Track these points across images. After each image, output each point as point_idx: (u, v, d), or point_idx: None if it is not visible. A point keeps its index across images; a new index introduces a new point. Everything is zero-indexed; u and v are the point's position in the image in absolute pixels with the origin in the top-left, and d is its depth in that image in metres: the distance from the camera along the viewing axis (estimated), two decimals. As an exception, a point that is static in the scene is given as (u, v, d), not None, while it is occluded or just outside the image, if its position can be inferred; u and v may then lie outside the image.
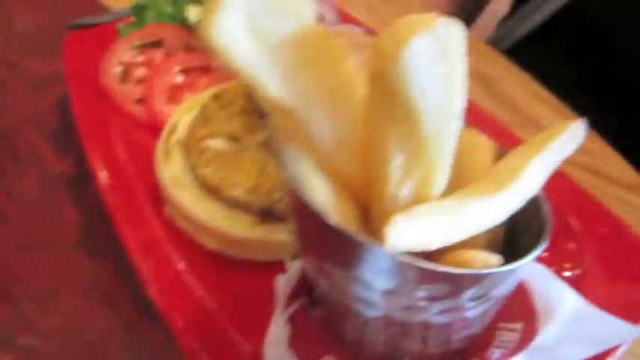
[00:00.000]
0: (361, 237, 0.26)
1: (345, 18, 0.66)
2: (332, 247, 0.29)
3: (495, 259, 0.27)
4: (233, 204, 0.42)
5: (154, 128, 0.52)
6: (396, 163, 0.26)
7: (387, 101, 0.24)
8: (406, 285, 0.29)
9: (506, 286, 0.31)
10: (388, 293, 0.30)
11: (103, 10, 0.75)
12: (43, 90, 0.62)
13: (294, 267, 0.40)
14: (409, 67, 0.22)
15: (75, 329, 0.40)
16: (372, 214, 0.29)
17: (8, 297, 0.42)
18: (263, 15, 0.22)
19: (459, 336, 0.34)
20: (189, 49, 0.59)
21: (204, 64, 0.58)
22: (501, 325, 0.36)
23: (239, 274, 0.41)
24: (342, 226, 0.26)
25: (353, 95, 0.26)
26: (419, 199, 0.28)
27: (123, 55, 0.55)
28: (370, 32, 0.63)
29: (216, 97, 0.49)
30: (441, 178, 0.28)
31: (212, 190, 0.43)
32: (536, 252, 0.28)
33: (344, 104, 0.25)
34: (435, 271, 0.26)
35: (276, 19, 0.23)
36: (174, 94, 0.55)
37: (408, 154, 0.26)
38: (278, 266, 0.41)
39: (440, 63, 0.23)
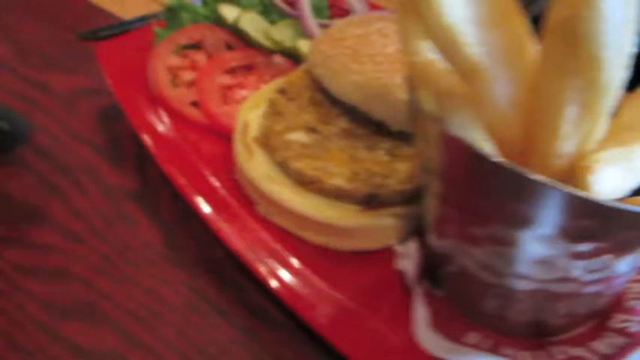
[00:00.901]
0: (548, 180, 0.25)
1: (374, 7, 0.66)
2: (496, 201, 0.28)
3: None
4: (334, 194, 0.41)
5: (214, 130, 0.50)
6: (569, 117, 0.26)
7: (569, 52, 0.24)
8: (564, 248, 0.29)
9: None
10: (542, 263, 0.30)
11: (105, 18, 0.73)
12: (75, 104, 0.59)
13: (412, 249, 0.40)
14: (601, 11, 0.22)
15: (193, 345, 0.37)
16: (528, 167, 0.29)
17: (108, 320, 0.39)
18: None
19: (606, 298, 0.34)
20: (229, 48, 0.57)
21: (247, 62, 0.56)
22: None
23: (352, 265, 0.40)
24: (524, 170, 0.25)
25: (525, 54, 0.25)
26: (580, 150, 0.28)
27: (168, 59, 0.53)
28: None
29: (282, 92, 0.48)
30: (604, 127, 0.28)
31: (309, 183, 0.41)
32: None
33: (519, 63, 0.25)
34: (632, 211, 0.25)
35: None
36: (226, 94, 0.53)
37: (581, 106, 0.26)
38: (385, 252, 0.41)
39: (621, 7, 0.23)
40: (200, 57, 0.55)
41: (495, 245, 0.30)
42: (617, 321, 0.36)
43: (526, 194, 0.27)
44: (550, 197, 0.26)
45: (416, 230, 0.42)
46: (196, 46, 0.56)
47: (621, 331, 0.35)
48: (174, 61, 0.53)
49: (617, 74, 0.26)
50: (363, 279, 0.39)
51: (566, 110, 0.26)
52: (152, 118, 0.50)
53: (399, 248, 0.41)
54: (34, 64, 0.63)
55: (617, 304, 0.36)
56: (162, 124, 0.50)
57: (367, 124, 0.44)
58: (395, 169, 0.42)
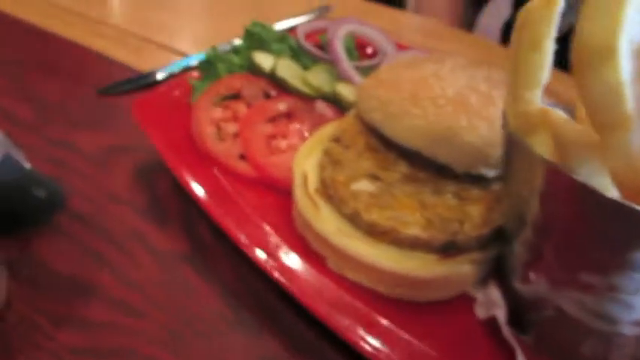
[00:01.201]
0: None
1: (400, 47, 0.67)
2: (622, 247, 0.27)
3: None
4: (410, 244, 0.40)
5: (264, 182, 0.49)
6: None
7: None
8: None
9: None
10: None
11: (122, 70, 0.72)
12: (107, 163, 0.56)
13: (495, 295, 0.38)
14: None
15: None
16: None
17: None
18: (634, 25, 0.21)
19: None
20: (267, 96, 0.56)
21: (288, 109, 0.55)
22: None
23: (433, 316, 0.39)
24: None
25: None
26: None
27: (211, 112, 0.52)
28: (428, 52, 0.64)
29: (336, 140, 0.47)
30: None
31: (383, 234, 0.40)
32: None
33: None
34: None
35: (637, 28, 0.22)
36: (271, 144, 0.52)
37: None
38: (461, 300, 0.40)
39: None
40: (241, 107, 0.54)
41: (612, 292, 0.29)
42: None
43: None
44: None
45: (493, 275, 0.41)
46: (235, 97, 0.55)
47: None
48: (217, 113, 0.52)
49: None
50: (448, 329, 0.37)
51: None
52: (200, 174, 0.48)
53: (480, 295, 0.40)
54: (58, 125, 0.61)
55: None
56: (211, 180, 0.48)
57: (427, 167, 0.44)
58: (467, 213, 0.41)
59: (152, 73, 0.70)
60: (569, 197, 0.27)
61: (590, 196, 0.25)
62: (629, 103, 0.22)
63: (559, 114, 0.26)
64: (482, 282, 0.41)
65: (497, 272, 0.41)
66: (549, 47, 0.25)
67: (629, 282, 0.28)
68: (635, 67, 0.22)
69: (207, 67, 0.56)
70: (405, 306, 0.39)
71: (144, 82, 0.69)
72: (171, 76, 0.69)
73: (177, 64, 0.71)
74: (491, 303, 0.38)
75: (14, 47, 0.78)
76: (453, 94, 0.43)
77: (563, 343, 0.35)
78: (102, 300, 0.42)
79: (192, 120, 0.51)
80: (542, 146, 0.28)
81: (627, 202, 0.25)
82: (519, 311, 0.37)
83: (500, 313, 0.36)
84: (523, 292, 0.36)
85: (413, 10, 0.97)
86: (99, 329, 0.40)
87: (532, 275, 0.34)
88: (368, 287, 0.40)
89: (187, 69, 0.69)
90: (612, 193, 0.26)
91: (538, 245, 0.32)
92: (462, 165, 0.42)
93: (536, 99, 0.27)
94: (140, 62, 0.74)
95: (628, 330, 0.31)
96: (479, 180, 0.43)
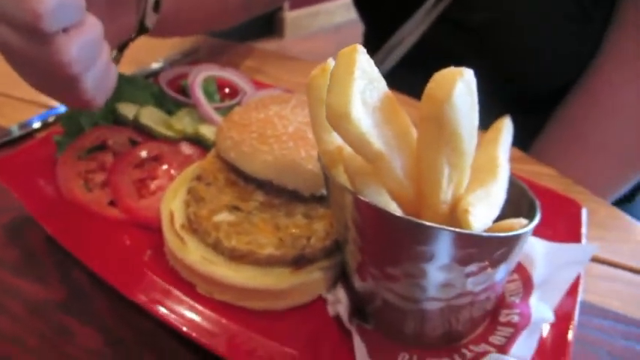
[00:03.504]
0: (439, 225, 0.34)
1: (258, 85, 0.74)
2: (405, 245, 0.36)
3: (525, 222, 0.38)
4: (267, 262, 0.46)
5: (136, 224, 0.53)
6: (445, 174, 0.36)
7: (437, 132, 0.34)
8: (459, 271, 0.38)
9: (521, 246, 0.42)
10: (445, 285, 0.39)
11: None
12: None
13: (341, 294, 0.46)
14: (456, 104, 0.32)
15: None
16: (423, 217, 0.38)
17: None
18: (367, 91, 0.30)
19: (493, 300, 0.44)
20: (133, 143, 0.60)
21: (154, 153, 0.60)
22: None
23: (292, 320, 0.46)
24: (421, 221, 0.34)
25: (410, 138, 0.34)
26: (455, 196, 0.37)
27: (76, 165, 0.55)
28: (287, 90, 0.72)
29: (199, 178, 0.53)
30: (467, 178, 0.38)
31: (242, 257, 0.46)
32: (538, 217, 0.40)
33: (407, 145, 0.34)
34: (502, 237, 0.35)
35: (370, 93, 0.30)
36: (140, 188, 0.56)
37: (451, 166, 0.36)
38: (318, 303, 0.47)
39: (468, 97, 0.33)
40: (107, 157, 0.57)
41: (409, 279, 0.38)
42: (504, 315, 0.46)
43: (425, 237, 0.35)
44: (442, 237, 0.35)
45: (341, 278, 0.49)
46: (101, 147, 0.59)
47: (508, 323, 0.45)
48: (83, 165, 0.55)
49: (471, 141, 0.36)
50: (304, 330, 0.45)
51: (441, 171, 0.35)
52: (71, 224, 0.51)
53: (329, 296, 0.48)
54: None
55: (501, 302, 0.46)
56: (81, 228, 0.51)
57: (281, 194, 0.51)
58: (314, 229, 0.49)
59: (14, 129, 0.70)
60: (364, 213, 0.36)
61: (376, 211, 0.34)
62: (376, 144, 0.31)
63: (348, 150, 0.35)
64: (332, 285, 0.49)
65: (342, 275, 0.49)
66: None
67: (416, 269, 0.37)
68: (377, 118, 0.31)
69: (70, 121, 0.59)
70: (268, 316, 0.46)
71: (7, 139, 0.69)
72: (35, 132, 0.70)
73: (40, 117, 0.72)
74: (338, 301, 0.46)
75: None
76: (293, 131, 0.51)
77: (392, 325, 0.44)
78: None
79: (57, 176, 0.54)
80: (343, 176, 0.36)
81: (399, 214, 0.34)
82: (361, 305, 0.46)
83: (342, 309, 0.44)
84: (360, 289, 0.45)
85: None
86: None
87: (362, 274, 0.43)
88: (235, 305, 0.46)
89: (52, 123, 0.70)
90: (392, 205, 0.35)
91: (357, 250, 0.40)
92: (307, 189, 0.50)
93: (333, 139, 0.35)
94: (3, 119, 0.74)
95: (429, 305, 0.40)
96: (323, 200, 0.51)
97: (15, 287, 0.50)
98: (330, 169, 0.36)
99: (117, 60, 0.60)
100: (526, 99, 0.89)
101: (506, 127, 0.47)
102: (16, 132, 0.69)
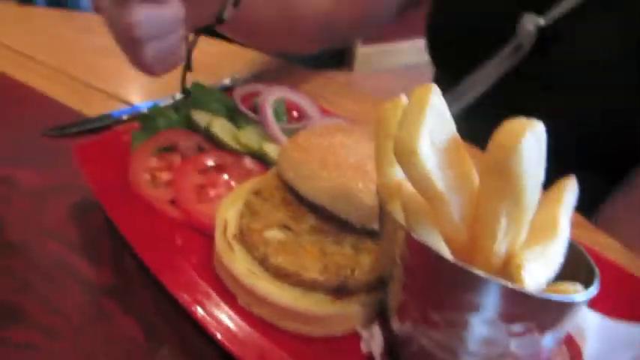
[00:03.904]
0: (489, 275, 0.33)
1: (325, 112, 0.76)
2: (451, 291, 0.36)
3: (581, 289, 0.36)
4: (309, 286, 0.47)
5: (191, 226, 0.55)
6: (502, 225, 0.35)
7: (500, 181, 0.33)
8: (504, 328, 0.36)
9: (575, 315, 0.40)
10: (487, 341, 0.37)
11: (70, 115, 0.77)
12: (45, 200, 0.61)
13: (376, 332, 0.46)
14: (523, 155, 0.32)
15: None
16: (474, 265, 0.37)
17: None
18: (436, 131, 0.30)
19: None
20: (201, 150, 0.63)
21: (219, 162, 0.62)
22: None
23: (324, 349, 0.45)
24: (471, 267, 0.33)
25: (472, 184, 0.34)
26: (510, 249, 0.36)
27: (147, 162, 0.58)
28: (353, 122, 0.74)
29: (256, 193, 0.54)
30: (525, 233, 0.37)
31: (286, 276, 0.47)
32: (596, 286, 0.38)
33: (467, 190, 0.34)
34: (554, 300, 0.34)
35: (439, 133, 0.31)
36: (200, 193, 0.58)
37: (510, 218, 0.35)
38: (352, 337, 0.47)
39: (536, 150, 0.33)
40: (176, 159, 0.61)
41: (450, 327, 0.37)
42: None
43: (473, 286, 0.34)
44: (491, 288, 0.34)
45: (379, 316, 0.48)
46: (171, 149, 0.62)
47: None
48: (153, 162, 0.58)
49: (534, 196, 0.35)
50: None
51: (499, 222, 0.35)
52: (131, 214, 0.54)
53: (364, 332, 0.47)
54: (1, 161, 0.65)
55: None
56: (140, 220, 0.54)
57: (332, 221, 0.52)
58: (359, 261, 0.49)
59: (96, 119, 0.75)
60: (415, 251, 0.35)
61: (427, 251, 0.34)
62: (437, 184, 0.31)
63: (408, 187, 0.35)
64: (369, 321, 0.48)
65: (381, 313, 0.48)
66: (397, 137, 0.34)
67: (459, 318, 0.36)
68: (442, 159, 0.31)
69: (148, 120, 0.62)
70: (301, 339, 0.46)
71: (88, 127, 0.74)
72: (114, 124, 0.75)
73: (121, 112, 0.77)
74: (372, 339, 0.45)
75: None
76: (353, 161, 0.52)
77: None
78: (26, 323, 0.46)
79: (129, 167, 0.57)
80: (399, 212, 0.36)
81: (449, 258, 0.33)
82: (395, 347, 0.45)
83: (375, 347, 0.44)
84: (397, 330, 0.44)
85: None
86: (22, 350, 0.44)
87: (401, 315, 0.42)
88: (270, 322, 0.46)
89: (130, 119, 0.75)
90: (444, 249, 0.35)
91: (401, 289, 0.40)
92: (359, 220, 0.50)
93: (394, 174, 0.36)
94: (88, 108, 0.80)
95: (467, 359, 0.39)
96: (373, 234, 0.51)
97: (70, 263, 0.53)
98: (387, 202, 0.37)
99: (192, 43, 0.68)
100: (596, 161, 0.86)
101: (570, 187, 0.46)
102: (98, 122, 0.75)
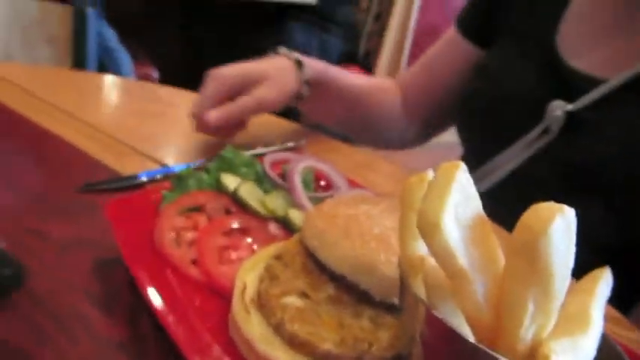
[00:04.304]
0: None
1: (352, 183, 0.77)
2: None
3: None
4: (323, 357, 0.45)
5: (211, 288, 0.55)
6: (529, 312, 0.34)
7: (528, 266, 0.32)
8: None
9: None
10: None
11: (105, 173, 0.80)
12: (71, 254, 0.62)
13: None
14: (552, 240, 0.31)
15: None
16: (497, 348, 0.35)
17: None
18: (461, 207, 0.31)
19: None
20: (228, 212, 0.64)
21: (243, 226, 0.63)
22: None
23: None
24: (494, 351, 0.32)
25: (497, 264, 0.34)
26: (536, 338, 0.35)
27: (174, 220, 0.59)
28: (379, 194, 0.74)
29: (278, 257, 0.54)
30: (554, 320, 0.35)
31: (301, 346, 0.46)
32: None
33: (493, 270, 0.33)
34: None
35: (464, 210, 0.31)
36: (222, 255, 0.59)
37: (538, 306, 0.34)
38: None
39: (566, 236, 0.32)
40: (202, 219, 0.62)
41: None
42: None
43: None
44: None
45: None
46: (198, 209, 0.63)
47: None
48: (179, 222, 0.60)
49: (563, 283, 0.34)
50: None
51: (526, 308, 0.33)
52: (153, 272, 0.54)
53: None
54: (34, 214, 0.67)
55: None
56: (162, 279, 0.54)
57: (352, 292, 0.51)
58: (378, 337, 0.47)
59: (129, 178, 0.78)
60: (435, 329, 0.34)
61: (448, 331, 0.33)
62: (460, 261, 0.31)
63: (431, 261, 0.35)
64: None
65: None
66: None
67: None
68: (466, 236, 0.31)
69: (179, 180, 0.64)
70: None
71: (121, 185, 0.76)
72: (146, 183, 0.77)
73: (154, 173, 0.80)
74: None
75: (5, 137, 0.87)
76: (377, 233, 0.52)
77: None
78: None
79: (155, 225, 0.58)
80: (421, 287, 0.35)
81: (471, 340, 0.32)
82: None
83: None
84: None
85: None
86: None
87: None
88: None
89: (162, 179, 0.78)
90: (466, 329, 0.34)
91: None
92: (379, 293, 0.49)
93: (417, 248, 0.35)
94: (122, 167, 0.83)
95: None
96: (393, 309, 0.50)
97: (87, 316, 0.53)
98: (409, 276, 0.36)
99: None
100: (633, 251, 0.82)
101: (604, 279, 0.44)
102: (131, 180, 0.77)
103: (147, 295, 0.51)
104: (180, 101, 1.11)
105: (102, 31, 2.50)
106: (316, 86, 0.93)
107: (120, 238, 0.57)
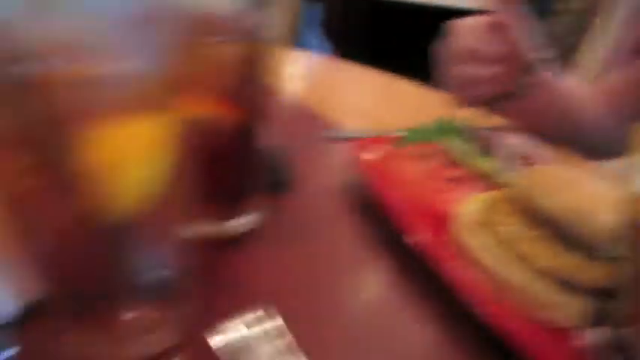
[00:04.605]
0: None
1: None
2: None
3: None
4: (541, 273, 0.55)
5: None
6: None
7: None
8: None
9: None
10: None
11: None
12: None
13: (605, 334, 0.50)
14: None
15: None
16: None
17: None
18: None
19: None
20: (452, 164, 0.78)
21: (461, 175, 0.75)
22: None
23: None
24: None
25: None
26: None
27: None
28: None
29: (491, 203, 0.65)
30: None
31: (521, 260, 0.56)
32: None
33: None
34: None
35: None
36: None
37: None
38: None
39: None
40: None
41: None
42: None
43: None
44: None
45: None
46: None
47: None
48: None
49: None
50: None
51: None
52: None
53: (589, 332, 0.51)
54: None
55: None
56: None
57: (565, 237, 0.58)
58: (591, 268, 0.55)
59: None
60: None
61: None
62: None
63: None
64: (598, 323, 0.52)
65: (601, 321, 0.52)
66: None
67: None
68: None
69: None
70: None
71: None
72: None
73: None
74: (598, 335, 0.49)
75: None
76: (591, 190, 0.59)
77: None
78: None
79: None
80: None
81: None
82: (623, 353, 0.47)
83: (602, 348, 0.48)
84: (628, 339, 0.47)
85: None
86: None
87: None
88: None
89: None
90: None
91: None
92: (594, 239, 0.56)
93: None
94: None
95: None
96: (603, 257, 0.56)
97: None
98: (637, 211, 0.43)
99: None
100: None
101: None
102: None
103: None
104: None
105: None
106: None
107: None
